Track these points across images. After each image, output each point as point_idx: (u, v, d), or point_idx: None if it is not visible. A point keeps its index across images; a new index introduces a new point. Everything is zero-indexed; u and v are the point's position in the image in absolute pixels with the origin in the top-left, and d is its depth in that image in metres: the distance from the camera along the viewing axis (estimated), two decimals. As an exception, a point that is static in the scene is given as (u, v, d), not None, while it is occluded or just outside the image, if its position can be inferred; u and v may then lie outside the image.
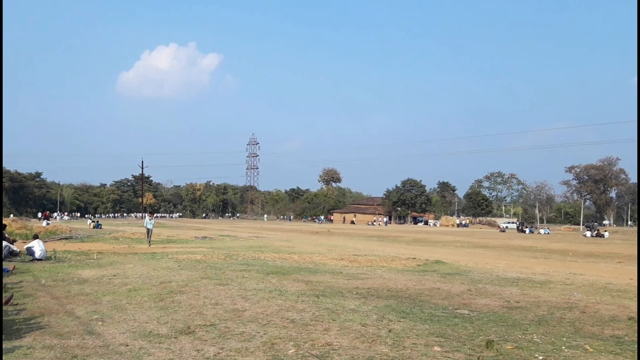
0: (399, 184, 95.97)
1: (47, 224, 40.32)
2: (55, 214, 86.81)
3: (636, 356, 5.22)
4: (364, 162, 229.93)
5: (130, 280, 9.91)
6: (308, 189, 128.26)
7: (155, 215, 28.19)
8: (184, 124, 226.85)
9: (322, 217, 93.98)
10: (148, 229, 21.89)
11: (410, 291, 9.32)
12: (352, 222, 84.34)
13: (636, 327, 6.44)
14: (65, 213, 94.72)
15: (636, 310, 7.71)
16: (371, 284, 10.10)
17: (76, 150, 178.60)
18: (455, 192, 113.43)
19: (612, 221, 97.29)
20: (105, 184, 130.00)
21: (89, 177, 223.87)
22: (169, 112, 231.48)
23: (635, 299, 8.79)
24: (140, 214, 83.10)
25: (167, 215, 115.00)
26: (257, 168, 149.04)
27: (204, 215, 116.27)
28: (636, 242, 27.64)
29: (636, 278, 11.84)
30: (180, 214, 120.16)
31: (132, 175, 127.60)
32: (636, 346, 5.54)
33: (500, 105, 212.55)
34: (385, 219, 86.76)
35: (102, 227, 41.42)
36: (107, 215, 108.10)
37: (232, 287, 9.14)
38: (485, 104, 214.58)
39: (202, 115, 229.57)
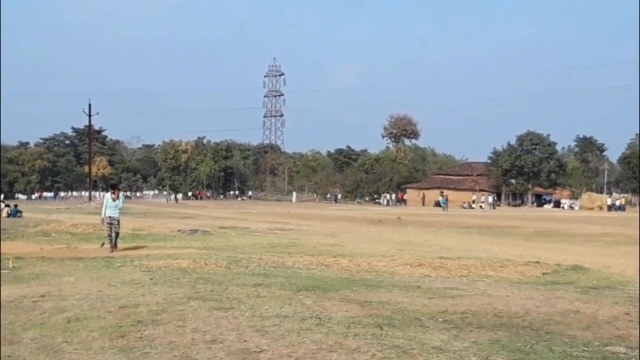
0: (512, 142, 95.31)
1: None
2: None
3: None
4: (459, 105, 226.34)
5: (70, 304, 9.98)
6: (365, 150, 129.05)
7: (121, 192, 25.08)
8: (159, 39, 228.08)
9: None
10: (111, 219, 19.24)
11: (531, 317, 9.30)
12: (438, 204, 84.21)
13: None
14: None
15: None
16: (468, 306, 10.08)
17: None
18: (604, 154, 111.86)
19: None
20: (28, 143, 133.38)
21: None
22: (134, 20, 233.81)
23: None
24: (88, 193, 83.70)
25: (133, 193, 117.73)
26: (282, 115, 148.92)
27: (193, 194, 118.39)
28: None
29: None
30: (156, 192, 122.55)
31: (73, 128, 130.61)
32: None
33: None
34: (490, 198, 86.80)
35: (23, 214, 42.40)
36: (30, 194, 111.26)
37: (239, 313, 9.17)
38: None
39: (188, 26, 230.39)
